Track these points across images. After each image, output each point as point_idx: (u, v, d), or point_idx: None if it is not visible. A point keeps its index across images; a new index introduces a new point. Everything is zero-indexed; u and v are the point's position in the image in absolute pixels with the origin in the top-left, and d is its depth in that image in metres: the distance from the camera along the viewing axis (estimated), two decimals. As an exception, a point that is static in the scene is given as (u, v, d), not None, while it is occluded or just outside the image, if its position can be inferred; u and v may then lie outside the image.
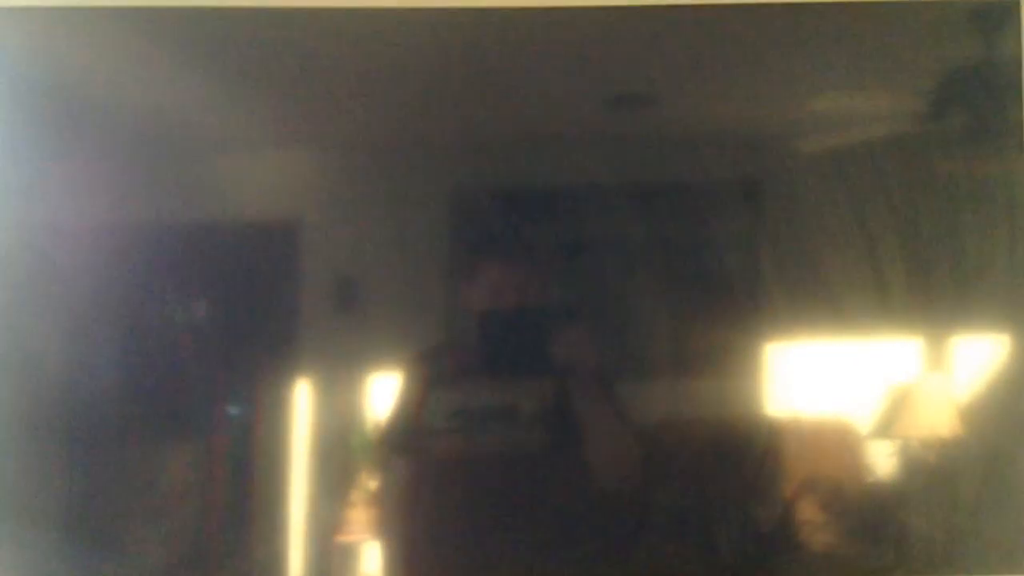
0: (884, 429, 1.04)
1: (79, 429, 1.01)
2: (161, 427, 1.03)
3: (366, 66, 1.06)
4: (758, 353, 1.05)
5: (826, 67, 1.07)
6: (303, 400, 1.03)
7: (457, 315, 1.06)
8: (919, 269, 1.04)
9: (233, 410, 1.04)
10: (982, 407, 1.04)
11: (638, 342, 1.05)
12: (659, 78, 1.08)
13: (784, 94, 1.07)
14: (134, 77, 1.05)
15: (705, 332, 1.04)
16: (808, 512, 1.03)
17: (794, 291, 1.04)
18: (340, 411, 1.04)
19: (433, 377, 1.04)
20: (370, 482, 1.04)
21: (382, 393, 1.03)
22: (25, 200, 1.02)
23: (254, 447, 1.03)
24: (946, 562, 1.02)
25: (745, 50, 1.07)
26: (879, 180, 1.05)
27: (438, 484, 1.05)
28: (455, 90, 1.06)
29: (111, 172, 1.04)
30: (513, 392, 1.04)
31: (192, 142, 1.05)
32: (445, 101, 1.06)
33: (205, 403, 1.03)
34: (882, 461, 1.05)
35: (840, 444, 1.05)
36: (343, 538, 1.04)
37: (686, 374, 1.05)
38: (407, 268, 1.05)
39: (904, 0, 1.05)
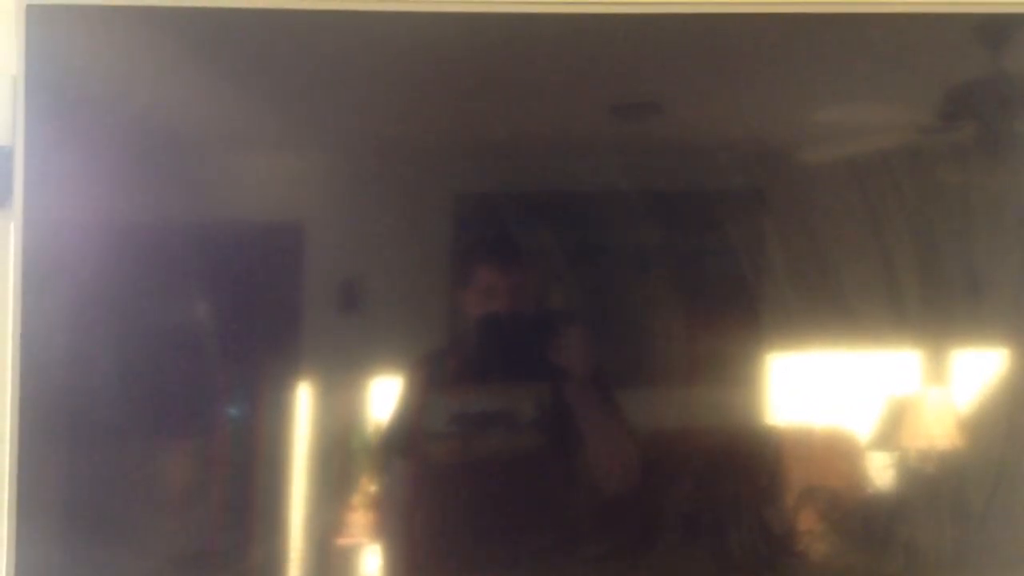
0: (885, 440, 1.04)
1: (80, 428, 1.01)
2: (162, 427, 1.03)
3: (372, 70, 1.05)
4: (759, 362, 1.04)
5: (834, 78, 1.06)
6: (304, 402, 1.03)
7: (459, 319, 1.06)
8: (925, 281, 1.04)
9: (234, 411, 1.04)
10: (986, 419, 1.04)
11: (638, 349, 1.05)
12: (664, 86, 1.07)
13: (791, 104, 1.07)
14: (139, 76, 1.04)
15: (706, 340, 1.04)
16: (809, 522, 1.03)
17: (796, 301, 1.04)
18: (341, 413, 1.04)
19: (433, 381, 1.04)
20: (370, 485, 1.04)
21: (383, 396, 1.03)
22: (29, 197, 1.02)
23: (255, 449, 1.03)
24: (948, 572, 1.02)
25: (753, 60, 1.06)
26: (886, 192, 1.04)
27: (437, 488, 1.05)
28: (461, 94, 1.06)
29: (114, 170, 1.03)
30: (512, 397, 1.04)
31: (196, 143, 1.05)
32: (451, 106, 1.06)
33: (206, 403, 1.03)
34: (882, 472, 1.05)
35: (841, 455, 1.05)
36: (343, 541, 1.04)
37: (686, 382, 1.04)
38: (410, 271, 1.05)
39: (913, 12, 1.04)
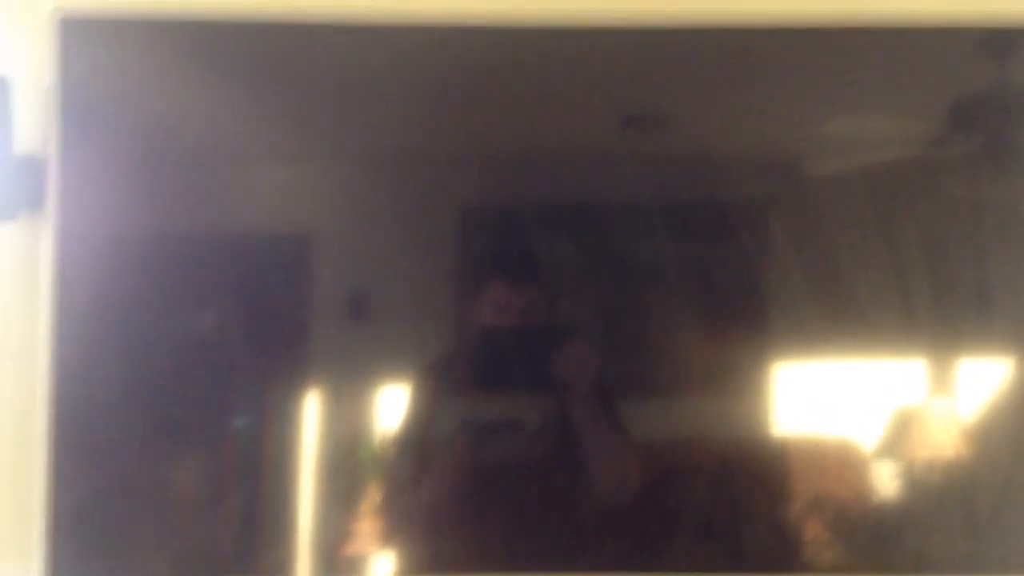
0: (893, 450, 1.02)
1: (89, 437, 1.02)
2: (171, 437, 1.04)
3: (382, 83, 1.06)
4: (767, 372, 1.04)
5: (842, 91, 1.07)
6: (312, 411, 1.03)
7: (466, 328, 1.06)
8: (933, 291, 1.04)
9: (242, 420, 1.04)
10: (993, 428, 1.03)
11: (644, 360, 1.05)
12: (675, 99, 1.08)
13: (801, 117, 1.07)
14: (167, 88, 1.06)
15: (715, 351, 1.04)
16: (816, 531, 1.02)
17: (805, 311, 1.03)
18: (349, 423, 1.05)
19: (440, 389, 1.05)
20: (377, 494, 1.04)
21: (390, 405, 1.04)
22: (61, 205, 1.03)
23: (263, 458, 1.03)
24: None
25: (763, 73, 1.07)
26: (894, 203, 1.04)
27: (445, 496, 1.05)
28: (469, 107, 1.07)
29: (142, 180, 1.05)
30: (518, 406, 1.04)
31: (205, 154, 1.06)
32: (459, 118, 1.07)
33: (215, 413, 1.04)
34: (890, 482, 1.03)
35: (849, 464, 1.04)
36: (350, 550, 1.04)
37: (692, 392, 1.04)
38: (417, 281, 1.05)
39: (920, 27, 1.05)
